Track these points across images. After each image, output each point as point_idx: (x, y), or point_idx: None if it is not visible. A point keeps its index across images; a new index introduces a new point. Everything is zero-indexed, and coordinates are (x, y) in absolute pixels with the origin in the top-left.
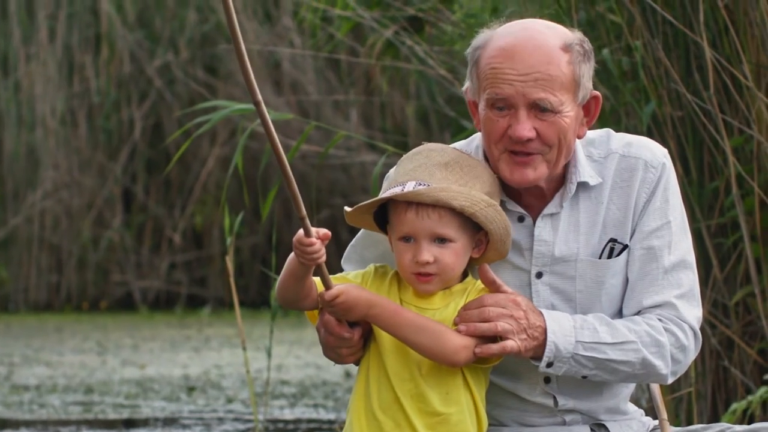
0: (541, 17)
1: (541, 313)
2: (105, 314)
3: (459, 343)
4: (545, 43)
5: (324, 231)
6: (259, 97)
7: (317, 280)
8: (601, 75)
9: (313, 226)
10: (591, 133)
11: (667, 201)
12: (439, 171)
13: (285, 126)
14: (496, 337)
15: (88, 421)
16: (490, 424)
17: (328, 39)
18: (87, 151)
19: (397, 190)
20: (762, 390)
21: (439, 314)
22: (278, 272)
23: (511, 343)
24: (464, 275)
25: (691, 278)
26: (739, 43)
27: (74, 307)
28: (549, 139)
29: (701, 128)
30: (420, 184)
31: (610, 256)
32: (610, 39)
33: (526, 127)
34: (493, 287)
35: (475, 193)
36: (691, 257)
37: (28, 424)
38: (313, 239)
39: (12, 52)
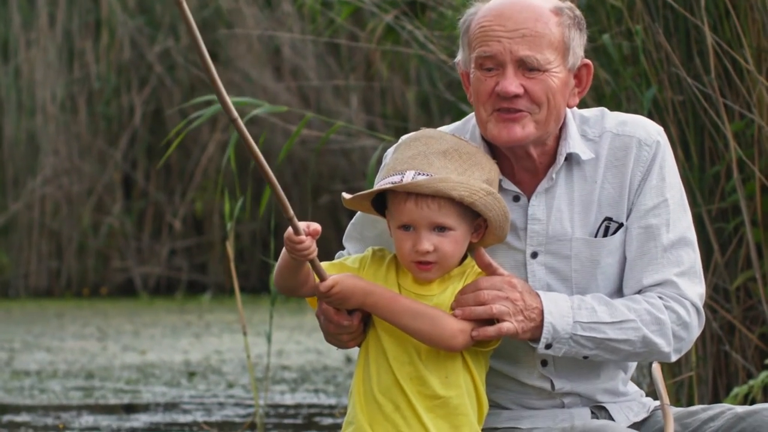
0: None
1: (537, 295)
2: (105, 300)
3: (456, 328)
4: (535, 4)
5: (314, 226)
6: (235, 114)
7: None
8: (602, 59)
9: (310, 213)
10: (586, 112)
11: (664, 179)
12: (437, 159)
13: (285, 112)
14: (493, 320)
15: (88, 406)
16: (489, 406)
17: (328, 24)
18: (87, 137)
19: (396, 179)
20: (763, 374)
21: (437, 299)
22: (277, 258)
23: (507, 325)
24: (463, 258)
25: (691, 255)
26: (740, 27)
27: (75, 293)
28: (537, 96)
29: (702, 113)
30: (419, 174)
31: (605, 235)
32: (611, 23)
33: (513, 83)
34: (489, 270)
35: (474, 182)
36: (691, 234)
37: (29, 409)
38: (303, 237)
39: (12, 37)
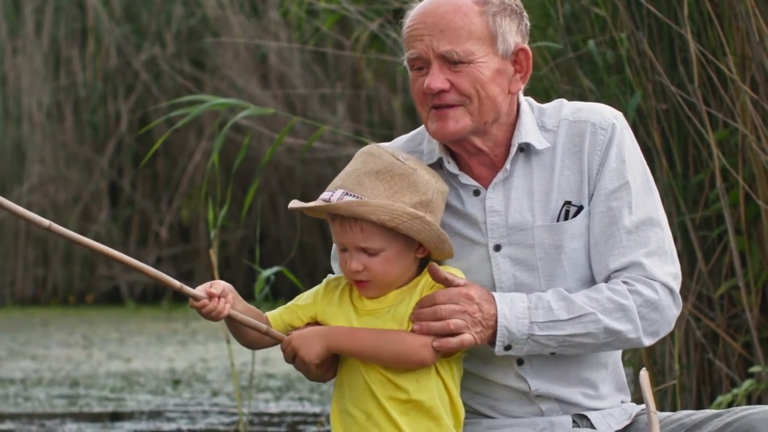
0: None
1: (493, 300)
2: (91, 308)
3: (418, 344)
4: None
5: (216, 287)
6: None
7: (270, 314)
8: (586, 68)
9: (298, 221)
10: (545, 104)
11: (624, 161)
12: (368, 180)
13: (272, 120)
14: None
15: (73, 414)
16: (467, 412)
17: (313, 32)
18: (73, 144)
19: (326, 196)
20: (747, 383)
21: (393, 311)
22: (263, 265)
23: (468, 337)
24: (422, 267)
25: (659, 234)
26: (723, 36)
27: (60, 301)
28: (464, 89)
29: (686, 121)
30: (346, 194)
31: (566, 219)
32: (595, 32)
33: (437, 79)
34: (446, 284)
35: (398, 205)
36: (657, 214)
37: (13, 417)
38: (204, 301)
39: None
